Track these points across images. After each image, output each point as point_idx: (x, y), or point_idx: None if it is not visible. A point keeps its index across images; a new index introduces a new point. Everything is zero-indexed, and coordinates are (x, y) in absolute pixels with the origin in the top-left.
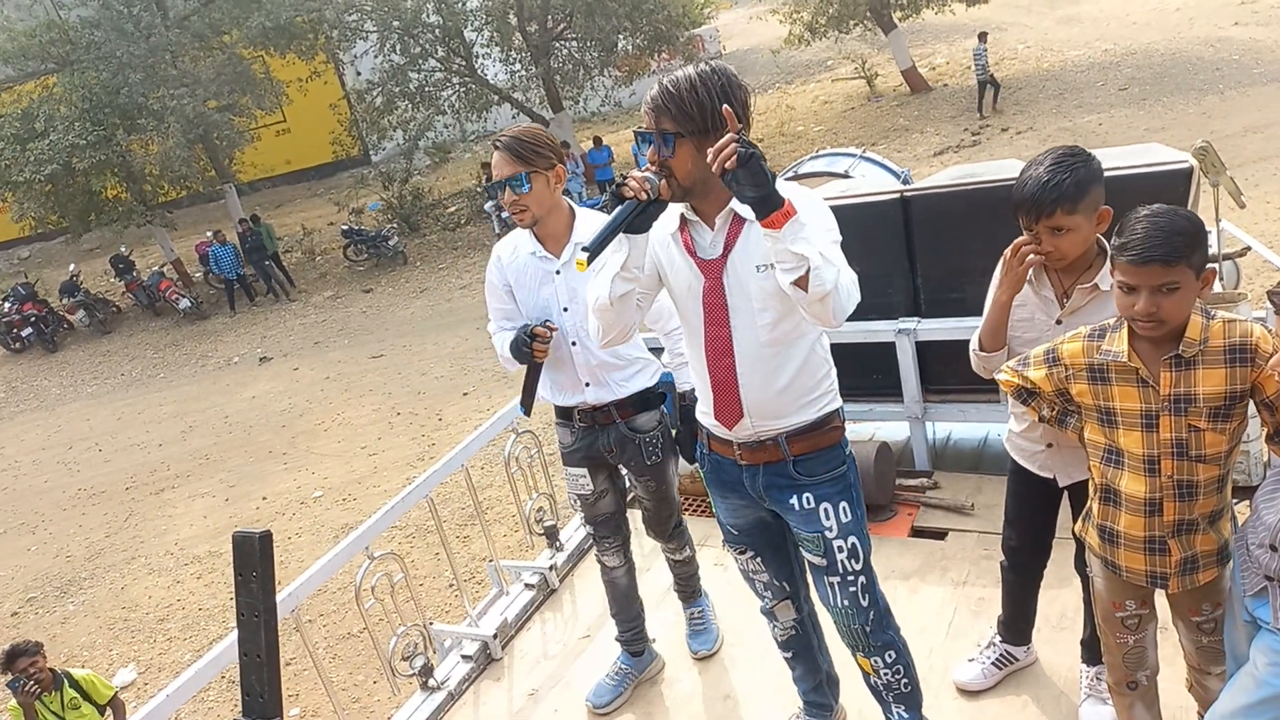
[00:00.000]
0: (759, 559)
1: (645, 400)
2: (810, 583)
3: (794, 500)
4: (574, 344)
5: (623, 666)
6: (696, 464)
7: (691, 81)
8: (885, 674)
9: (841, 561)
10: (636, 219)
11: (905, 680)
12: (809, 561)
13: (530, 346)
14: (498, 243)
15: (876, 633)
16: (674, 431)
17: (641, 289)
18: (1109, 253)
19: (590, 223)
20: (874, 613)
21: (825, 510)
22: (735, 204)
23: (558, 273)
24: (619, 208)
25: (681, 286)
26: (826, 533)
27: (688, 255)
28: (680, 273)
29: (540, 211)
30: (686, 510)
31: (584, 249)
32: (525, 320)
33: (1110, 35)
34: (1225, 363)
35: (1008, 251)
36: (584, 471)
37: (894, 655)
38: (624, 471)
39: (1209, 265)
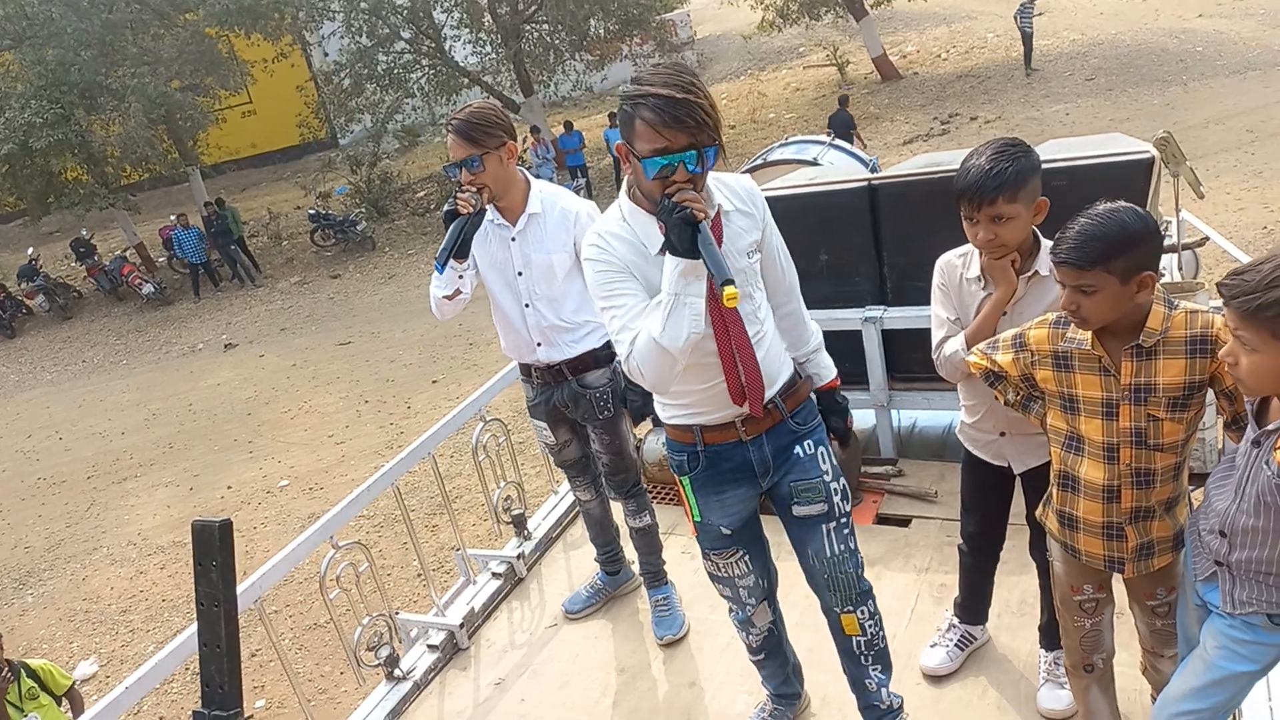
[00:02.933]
0: (747, 558)
1: (594, 360)
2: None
3: (798, 449)
4: (526, 306)
5: (598, 582)
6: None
7: (700, 89)
8: (870, 627)
9: (836, 504)
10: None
11: (881, 633)
12: (805, 516)
13: (457, 198)
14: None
15: (861, 578)
16: (622, 390)
17: None
18: (1041, 239)
19: (546, 193)
20: (859, 557)
21: (821, 454)
22: (716, 201)
23: (513, 240)
24: (698, 239)
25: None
26: (825, 476)
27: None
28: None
29: (497, 188)
30: (653, 499)
31: (725, 281)
32: (475, 273)
33: (1078, 25)
34: (1186, 353)
35: (998, 261)
36: (545, 425)
37: (873, 605)
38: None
39: (1146, 272)
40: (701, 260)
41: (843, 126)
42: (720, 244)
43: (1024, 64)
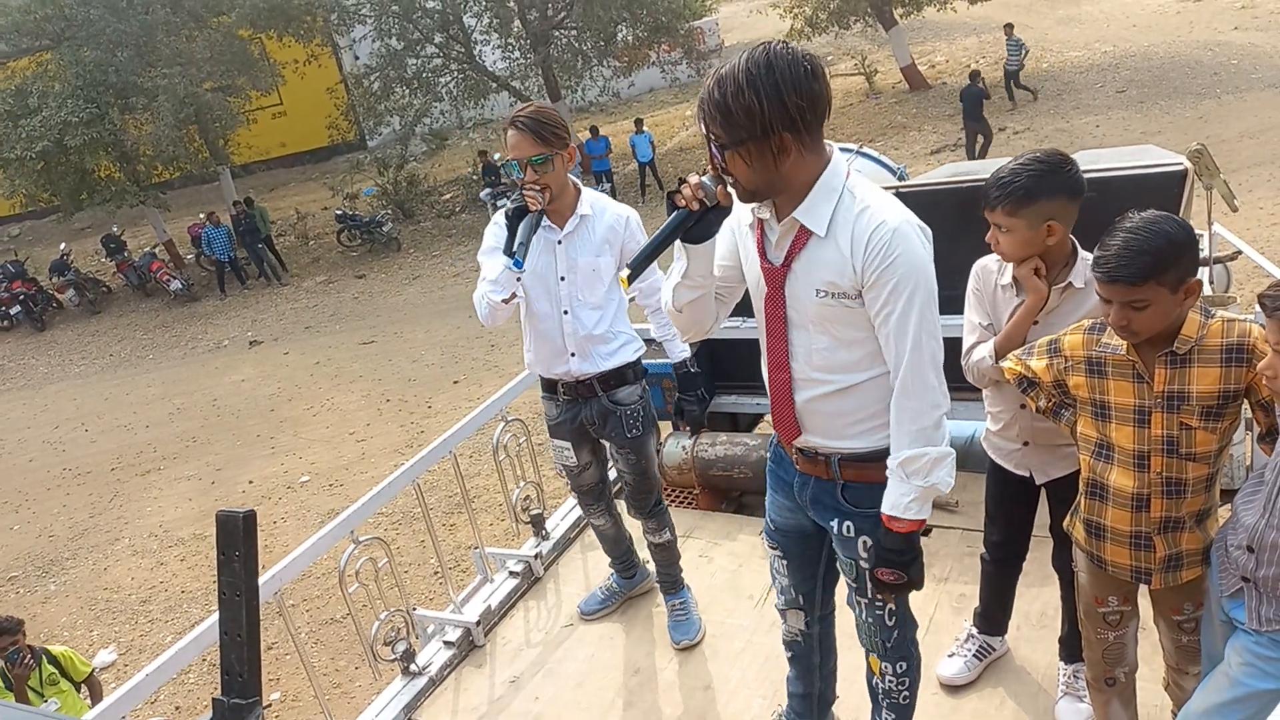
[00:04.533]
0: (786, 562)
1: (627, 375)
2: (824, 601)
3: (834, 524)
4: (565, 313)
5: (613, 585)
6: (695, 451)
7: (738, 83)
8: (890, 680)
9: (872, 590)
10: (695, 227)
11: (906, 694)
12: (844, 576)
13: (524, 195)
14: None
15: (896, 647)
16: (676, 401)
17: (722, 284)
18: (1079, 251)
19: (594, 200)
20: (897, 632)
21: (864, 543)
22: (801, 214)
23: (559, 243)
24: (670, 218)
25: (753, 283)
26: (861, 562)
27: (758, 254)
28: (752, 269)
29: (557, 190)
30: (671, 502)
31: (627, 266)
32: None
33: (1110, 37)
34: (1221, 362)
35: (1024, 268)
36: (569, 444)
37: (905, 668)
38: (607, 446)
39: (1192, 278)
40: (694, 245)
41: (973, 100)
42: (792, 262)
43: (1008, 97)
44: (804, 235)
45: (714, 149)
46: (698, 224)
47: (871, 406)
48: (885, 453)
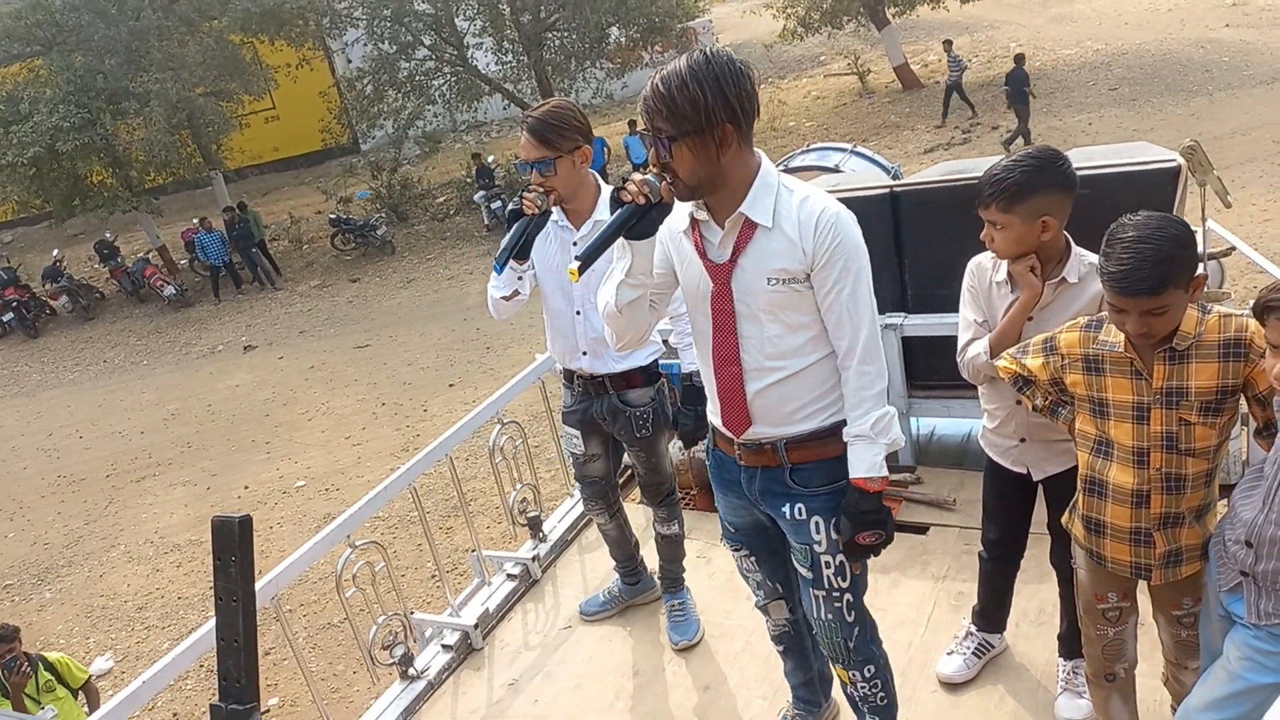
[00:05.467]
0: (754, 559)
1: (637, 378)
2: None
3: (785, 508)
4: (578, 313)
5: (615, 590)
6: (691, 451)
7: (682, 77)
8: (862, 687)
9: (828, 577)
10: (638, 224)
11: (882, 695)
12: (797, 571)
13: (522, 199)
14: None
15: (859, 648)
16: (673, 412)
17: (656, 290)
18: (1072, 246)
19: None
20: (858, 629)
21: (816, 524)
22: (746, 206)
23: (575, 243)
24: (618, 213)
25: (691, 286)
26: (815, 546)
27: (698, 255)
28: (691, 272)
29: (566, 191)
30: None
31: (576, 258)
32: (532, 271)
33: (1102, 35)
34: (1219, 357)
35: (1019, 265)
36: (578, 433)
37: (873, 670)
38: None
39: (1197, 273)
40: (637, 241)
41: (1018, 83)
42: (739, 256)
43: (946, 111)
44: (749, 230)
45: (659, 144)
46: (640, 221)
47: (817, 389)
48: (828, 431)
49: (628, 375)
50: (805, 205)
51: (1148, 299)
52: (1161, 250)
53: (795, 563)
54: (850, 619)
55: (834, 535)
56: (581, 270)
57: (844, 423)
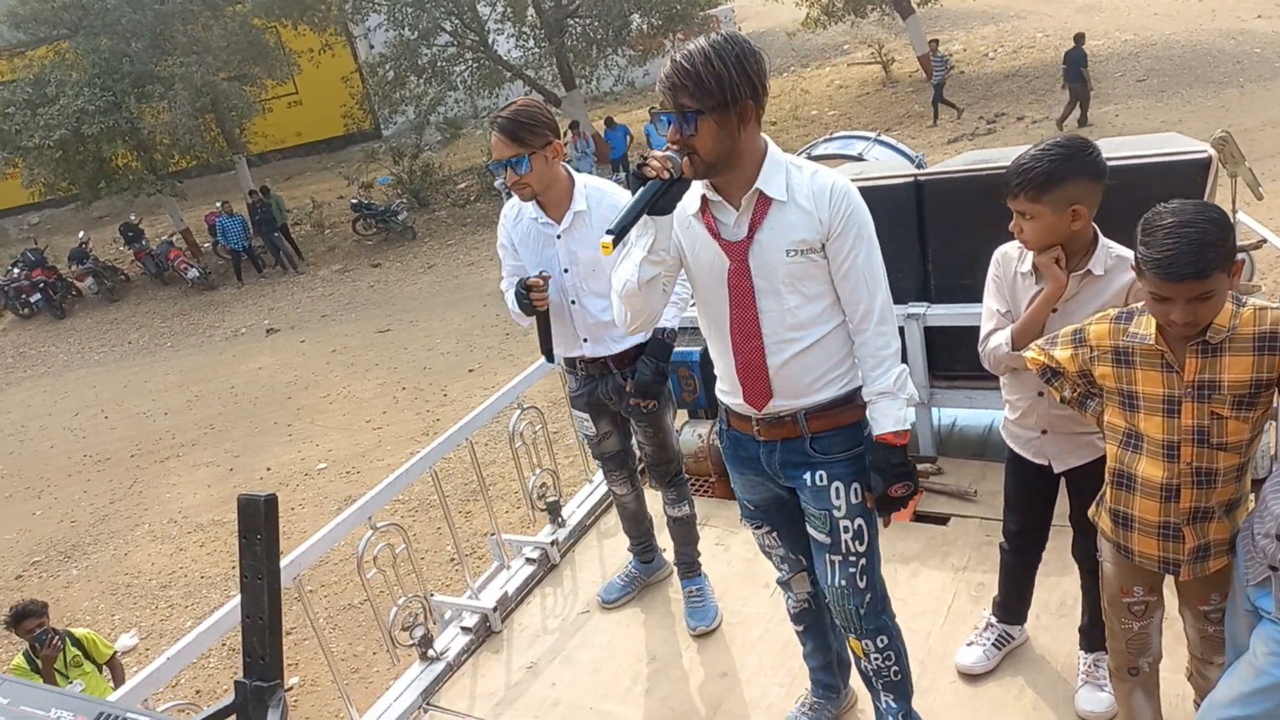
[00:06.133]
0: (775, 534)
1: (640, 354)
2: None
3: (807, 476)
4: (573, 303)
5: (632, 570)
6: (710, 438)
7: (706, 54)
8: (875, 659)
9: (846, 541)
10: (660, 199)
11: (895, 669)
12: (813, 538)
13: (529, 299)
14: (506, 203)
15: (870, 616)
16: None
17: (666, 272)
18: (1100, 238)
19: (591, 188)
20: (870, 595)
21: (837, 489)
22: (761, 182)
23: (558, 237)
24: (642, 189)
25: (704, 268)
26: (834, 511)
27: (711, 236)
28: (703, 254)
29: (540, 187)
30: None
31: (608, 231)
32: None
33: (1131, 25)
34: (1254, 350)
35: (1044, 256)
36: (588, 416)
37: (885, 641)
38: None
39: (1235, 259)
40: (660, 217)
41: (1075, 63)
42: (756, 232)
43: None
44: (764, 205)
45: (683, 120)
46: (664, 196)
47: (834, 357)
48: (844, 399)
49: (628, 354)
50: (816, 178)
51: (1195, 283)
52: (1206, 234)
53: (812, 530)
54: (862, 585)
55: (854, 500)
56: (616, 243)
57: (858, 390)
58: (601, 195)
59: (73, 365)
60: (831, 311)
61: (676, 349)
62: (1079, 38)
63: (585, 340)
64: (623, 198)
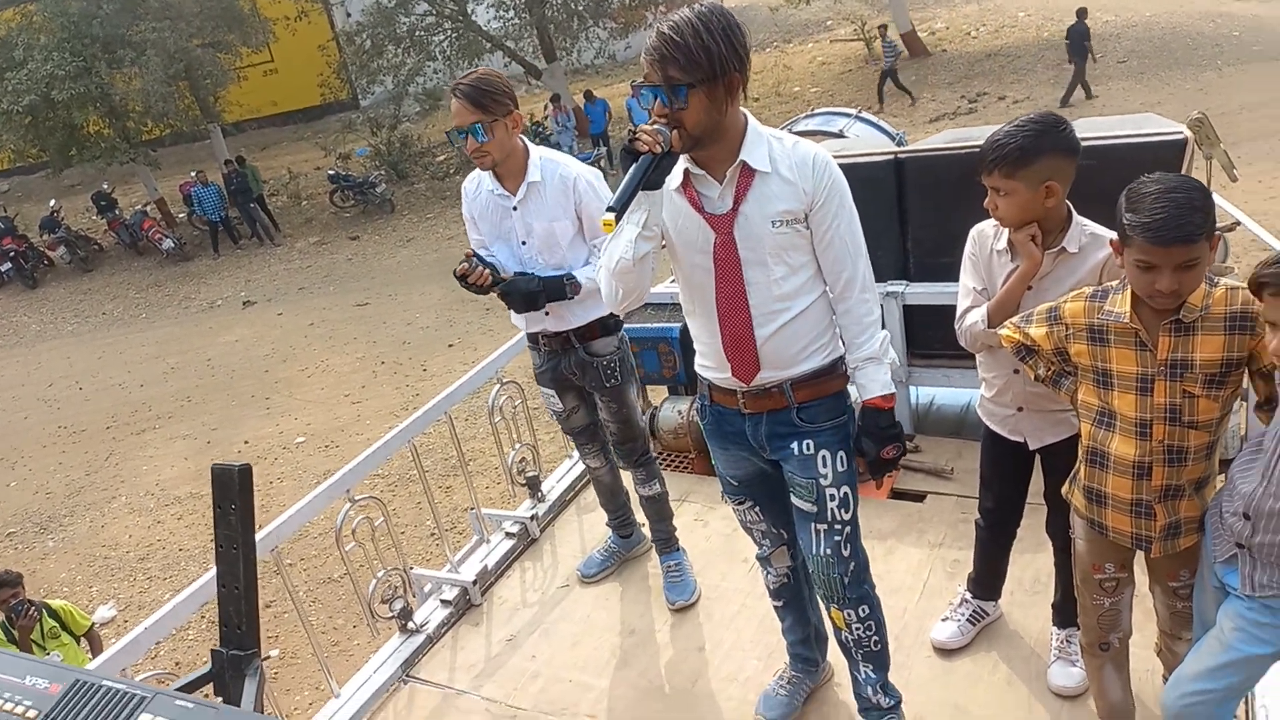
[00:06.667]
0: (758, 509)
1: (601, 328)
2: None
3: (794, 445)
4: (532, 275)
5: (611, 545)
6: (691, 414)
7: (695, 26)
8: (857, 629)
9: (831, 510)
10: (653, 174)
11: (876, 639)
12: (797, 508)
13: (467, 286)
14: (466, 178)
15: (853, 585)
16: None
17: (655, 247)
18: (1074, 216)
19: (545, 160)
20: (854, 564)
21: (823, 457)
22: (745, 154)
23: (515, 209)
24: (635, 164)
25: (687, 242)
26: (821, 479)
27: (694, 210)
28: (687, 228)
29: (500, 156)
30: (666, 466)
31: (609, 209)
32: (491, 249)
33: (1112, 6)
34: (1225, 329)
35: (1020, 234)
36: (553, 391)
37: (867, 610)
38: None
39: (1215, 232)
40: (653, 192)
41: (1079, 37)
42: (741, 204)
43: (877, 99)
44: (748, 177)
45: (672, 92)
46: (655, 170)
47: (818, 327)
48: (828, 369)
49: (589, 327)
50: (797, 149)
51: (1183, 247)
52: (1193, 199)
53: (797, 500)
54: (846, 553)
55: (839, 468)
56: (617, 219)
57: (840, 360)
58: (555, 166)
59: (45, 336)
60: (814, 282)
61: (656, 324)
62: (1081, 12)
63: (546, 314)
64: (576, 168)
